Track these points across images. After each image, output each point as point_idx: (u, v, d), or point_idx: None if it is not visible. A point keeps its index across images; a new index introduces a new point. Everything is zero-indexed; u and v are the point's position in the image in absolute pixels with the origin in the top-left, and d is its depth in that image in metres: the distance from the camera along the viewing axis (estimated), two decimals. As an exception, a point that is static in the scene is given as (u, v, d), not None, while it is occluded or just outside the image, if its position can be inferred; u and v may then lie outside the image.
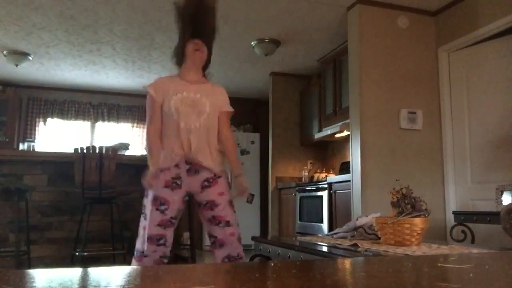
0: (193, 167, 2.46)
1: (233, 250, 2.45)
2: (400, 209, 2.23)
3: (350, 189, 4.00)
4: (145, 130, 7.09)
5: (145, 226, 2.41)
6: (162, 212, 2.39)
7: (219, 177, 2.51)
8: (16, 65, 5.43)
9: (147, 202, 2.45)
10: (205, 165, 2.46)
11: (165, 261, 2.44)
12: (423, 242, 2.29)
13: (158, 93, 2.49)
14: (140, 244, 2.41)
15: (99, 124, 7.15)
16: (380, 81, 3.98)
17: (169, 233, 2.43)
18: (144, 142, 7.17)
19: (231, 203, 2.52)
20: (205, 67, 2.65)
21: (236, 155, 2.65)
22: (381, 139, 3.90)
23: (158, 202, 2.40)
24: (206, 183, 2.47)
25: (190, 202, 3.64)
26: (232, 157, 2.60)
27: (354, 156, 3.92)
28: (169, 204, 2.41)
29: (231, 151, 2.60)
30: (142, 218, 2.45)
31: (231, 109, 2.64)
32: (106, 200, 3.88)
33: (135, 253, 2.42)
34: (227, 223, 2.46)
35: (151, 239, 2.37)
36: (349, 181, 4.06)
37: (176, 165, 2.44)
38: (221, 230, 2.46)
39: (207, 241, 6.76)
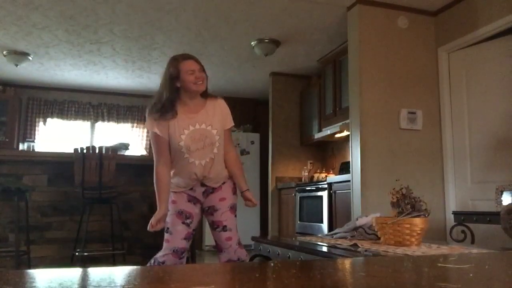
0: (208, 189, 2.52)
1: (232, 255, 2.48)
2: (400, 209, 2.23)
3: (350, 189, 4.00)
4: (145, 131, 7.18)
5: (169, 239, 2.42)
6: (188, 225, 2.45)
7: (224, 182, 2.54)
8: (16, 65, 5.43)
9: (170, 216, 2.45)
10: (218, 185, 2.52)
11: None
12: (423, 242, 2.29)
13: (163, 131, 2.41)
14: (161, 255, 2.41)
15: (99, 124, 7.15)
16: (380, 81, 3.98)
17: (189, 245, 2.50)
18: (146, 145, 7.19)
19: (232, 208, 2.54)
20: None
21: (241, 171, 2.60)
22: (381, 139, 3.90)
23: (184, 216, 2.45)
24: (210, 190, 2.52)
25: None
26: (239, 180, 2.57)
27: (354, 156, 3.92)
28: (193, 218, 2.48)
29: (238, 175, 2.57)
30: (165, 233, 2.46)
31: (231, 124, 2.59)
32: (106, 200, 3.88)
33: (153, 261, 2.43)
34: (224, 228, 2.48)
35: (177, 252, 2.40)
36: (349, 181, 4.06)
37: (191, 189, 2.50)
38: (218, 235, 2.50)
39: (207, 241, 6.78)
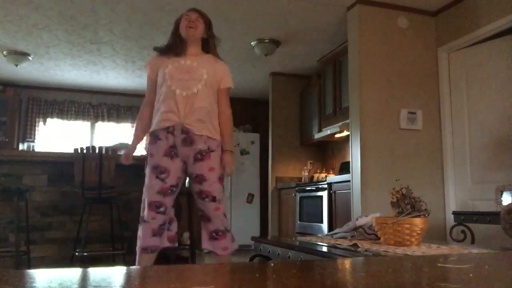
0: (188, 137, 2.48)
1: (219, 224, 2.54)
2: (400, 209, 2.23)
3: (350, 189, 4.00)
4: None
5: (145, 193, 2.50)
6: (162, 180, 2.46)
7: (213, 151, 2.53)
8: (16, 65, 5.43)
9: (147, 170, 2.53)
10: (199, 133, 2.49)
11: (164, 229, 2.49)
12: (423, 242, 2.29)
13: (153, 68, 2.61)
14: (142, 210, 2.50)
15: (99, 124, 7.15)
16: (380, 81, 3.98)
17: (169, 201, 2.50)
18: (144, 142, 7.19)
19: (221, 178, 2.56)
20: (206, 41, 2.65)
21: (230, 129, 2.65)
22: (381, 139, 3.90)
23: (158, 171, 2.48)
24: (198, 155, 2.50)
25: (190, 199, 3.64)
26: (224, 132, 2.61)
27: (354, 156, 3.92)
28: (168, 173, 2.47)
29: (223, 127, 2.62)
30: (144, 188, 2.54)
31: (231, 85, 2.66)
32: (106, 200, 3.88)
33: (140, 220, 2.51)
34: (213, 199, 2.51)
35: (151, 205, 2.45)
36: (349, 181, 4.06)
37: (172, 133, 2.48)
38: (207, 205, 2.51)
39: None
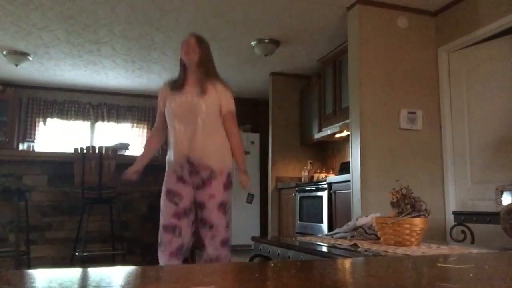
0: (194, 169, 2.56)
1: (212, 252, 2.55)
2: (400, 209, 2.23)
3: (350, 189, 4.00)
4: (145, 131, 7.20)
5: (161, 217, 2.58)
6: (176, 204, 2.55)
7: (214, 178, 2.56)
8: (16, 65, 5.43)
9: (162, 195, 2.62)
10: (204, 165, 2.56)
11: (182, 254, 2.55)
12: (422, 242, 2.29)
13: (163, 101, 2.72)
14: (159, 235, 2.57)
15: (99, 124, 7.15)
16: (380, 81, 3.98)
17: (184, 224, 2.56)
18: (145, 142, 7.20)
19: (221, 205, 2.57)
20: (203, 65, 2.68)
21: (240, 151, 2.70)
22: (381, 139, 3.90)
23: (171, 195, 2.57)
24: (201, 183, 2.57)
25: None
26: (235, 152, 2.69)
27: (354, 156, 3.92)
28: (181, 196, 2.56)
29: (233, 148, 2.69)
30: (160, 213, 2.63)
31: (230, 108, 2.68)
32: (106, 201, 3.88)
33: (158, 246, 2.58)
34: (210, 227, 2.55)
35: (166, 228, 2.54)
36: (349, 181, 4.06)
37: (181, 166, 2.58)
38: (204, 232, 2.57)
39: (207, 241, 6.69)
